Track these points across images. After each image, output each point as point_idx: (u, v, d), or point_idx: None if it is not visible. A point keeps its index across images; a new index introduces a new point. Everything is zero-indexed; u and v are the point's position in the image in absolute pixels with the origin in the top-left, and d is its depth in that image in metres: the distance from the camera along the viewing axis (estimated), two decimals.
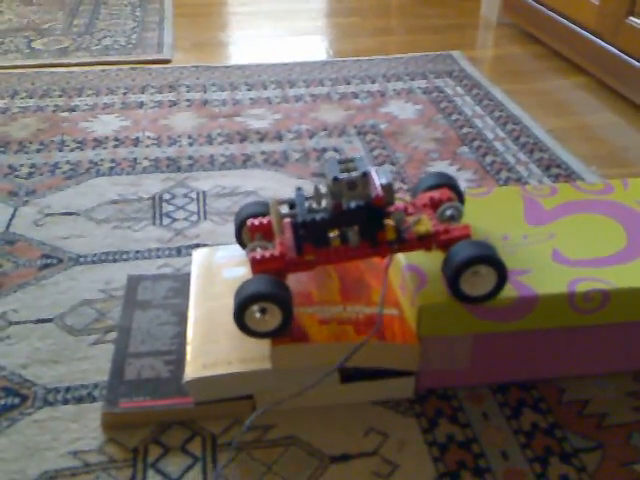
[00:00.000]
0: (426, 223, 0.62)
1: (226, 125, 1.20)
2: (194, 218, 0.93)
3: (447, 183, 0.69)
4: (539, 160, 1.08)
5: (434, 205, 0.66)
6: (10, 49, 1.53)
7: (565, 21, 1.46)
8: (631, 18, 1.25)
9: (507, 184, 1.01)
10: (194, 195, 0.98)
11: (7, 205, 0.94)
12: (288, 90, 1.35)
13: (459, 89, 1.35)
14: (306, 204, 0.62)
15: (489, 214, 0.73)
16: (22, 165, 1.05)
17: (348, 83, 1.38)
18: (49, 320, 0.74)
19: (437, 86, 1.37)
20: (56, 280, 0.80)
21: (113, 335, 0.71)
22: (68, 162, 1.06)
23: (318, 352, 0.61)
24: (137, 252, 0.85)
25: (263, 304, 0.58)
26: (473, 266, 0.58)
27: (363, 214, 0.59)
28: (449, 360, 0.64)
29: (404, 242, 0.61)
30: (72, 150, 1.10)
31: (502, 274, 0.59)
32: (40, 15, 1.77)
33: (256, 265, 0.60)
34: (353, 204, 0.59)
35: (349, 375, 0.64)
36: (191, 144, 1.13)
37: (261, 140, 1.14)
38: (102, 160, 1.07)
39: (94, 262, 0.83)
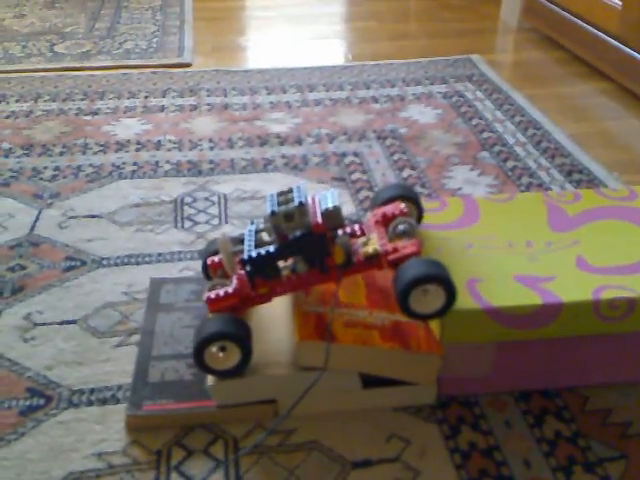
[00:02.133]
0: (374, 243, 0.63)
1: (246, 129, 1.20)
2: (215, 221, 0.93)
3: (402, 195, 0.69)
4: (561, 166, 1.08)
5: (386, 221, 0.65)
6: (33, 52, 1.55)
7: (587, 26, 1.45)
8: None
9: (529, 189, 1.01)
10: (215, 198, 0.98)
11: (31, 207, 0.95)
12: (308, 94, 1.35)
13: (479, 93, 1.35)
14: (257, 236, 0.63)
15: (512, 220, 0.72)
16: (46, 168, 1.06)
17: (367, 87, 1.38)
18: (73, 322, 0.74)
19: (457, 90, 1.37)
20: (80, 282, 0.80)
21: (136, 338, 0.72)
22: (91, 165, 1.07)
23: (344, 353, 0.61)
24: (159, 255, 0.86)
25: (222, 343, 0.59)
26: (421, 285, 0.58)
27: (305, 243, 0.60)
28: (472, 367, 0.64)
29: (353, 265, 0.62)
30: (95, 153, 1.11)
31: (450, 292, 0.58)
32: (62, 19, 1.79)
33: (211, 304, 0.62)
34: (296, 234, 0.60)
35: (371, 380, 0.64)
36: (212, 148, 1.13)
37: (281, 144, 1.15)
38: (124, 163, 1.08)
39: (117, 265, 0.84)
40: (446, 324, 0.61)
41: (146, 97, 1.33)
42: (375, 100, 1.33)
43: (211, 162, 1.09)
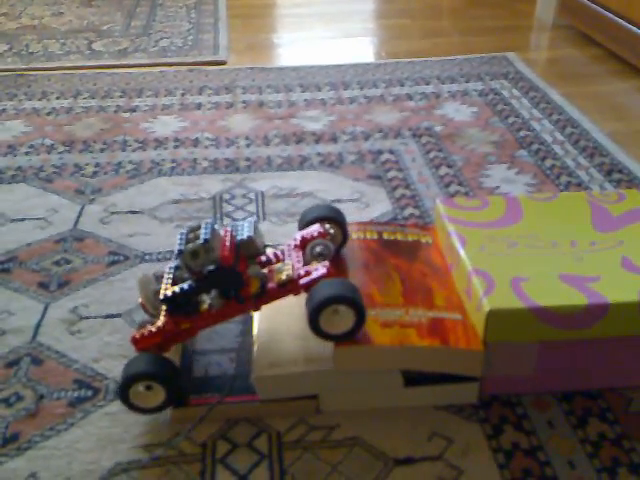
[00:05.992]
0: (287, 269, 0.63)
1: (282, 126, 1.21)
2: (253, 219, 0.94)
3: (325, 216, 0.70)
4: (600, 165, 1.06)
5: (305, 244, 0.66)
6: (72, 50, 1.57)
7: (623, 22, 1.43)
8: None
9: (567, 189, 1.00)
10: (253, 196, 0.99)
11: (74, 203, 0.97)
12: (342, 92, 1.36)
13: (515, 91, 1.34)
14: (179, 273, 0.64)
15: (555, 220, 0.72)
16: (87, 164, 1.08)
17: (402, 85, 1.38)
18: (118, 315, 0.76)
19: (492, 88, 1.36)
20: (123, 277, 0.82)
21: None
22: (131, 162, 1.09)
23: (381, 355, 0.62)
24: None
25: (147, 383, 0.60)
26: (330, 306, 0.58)
27: (216, 276, 0.60)
28: (515, 366, 0.64)
29: (268, 293, 0.62)
30: (134, 150, 1.13)
31: (360, 312, 0.59)
32: (99, 17, 1.81)
33: (136, 343, 0.63)
34: (208, 269, 0.60)
35: (413, 378, 0.64)
36: (248, 145, 1.14)
37: (317, 142, 1.15)
38: (163, 160, 1.09)
39: (159, 260, 0.85)
40: (490, 322, 0.61)
41: (183, 94, 1.34)
42: (410, 98, 1.32)
43: (248, 159, 1.10)
